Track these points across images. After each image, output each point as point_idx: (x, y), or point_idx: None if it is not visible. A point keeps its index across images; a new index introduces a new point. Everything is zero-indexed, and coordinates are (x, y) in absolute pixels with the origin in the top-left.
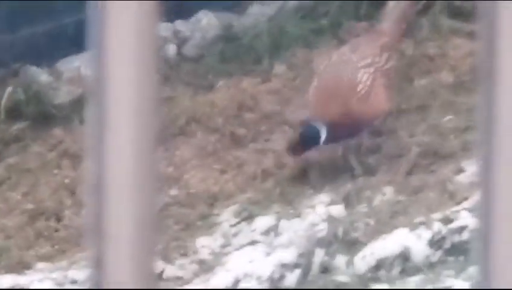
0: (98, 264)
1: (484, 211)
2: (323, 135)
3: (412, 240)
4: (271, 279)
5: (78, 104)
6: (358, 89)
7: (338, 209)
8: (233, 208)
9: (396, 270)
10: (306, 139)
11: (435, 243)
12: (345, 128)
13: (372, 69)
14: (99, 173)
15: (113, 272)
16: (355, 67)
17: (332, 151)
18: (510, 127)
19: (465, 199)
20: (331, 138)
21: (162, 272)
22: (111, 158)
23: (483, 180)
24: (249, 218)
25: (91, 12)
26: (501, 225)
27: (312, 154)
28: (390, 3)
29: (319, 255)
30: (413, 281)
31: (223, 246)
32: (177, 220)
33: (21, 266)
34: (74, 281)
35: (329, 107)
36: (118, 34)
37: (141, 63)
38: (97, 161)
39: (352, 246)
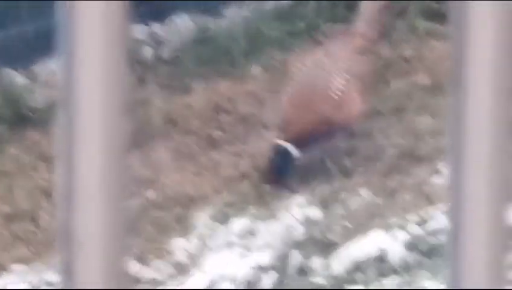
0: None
1: (454, 213)
2: (295, 153)
3: (388, 241)
4: (247, 281)
5: (54, 107)
6: (332, 95)
7: (314, 211)
8: (210, 210)
9: (372, 272)
10: (278, 166)
11: (411, 244)
12: (320, 134)
13: (346, 74)
14: (69, 178)
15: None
16: (329, 72)
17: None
18: (480, 130)
19: (441, 200)
20: (307, 146)
21: (137, 273)
22: (80, 163)
23: (454, 183)
24: (225, 220)
25: (59, 14)
26: (470, 226)
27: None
28: (365, 4)
29: (295, 257)
30: (389, 283)
31: (199, 248)
32: (153, 222)
33: None
34: (50, 284)
35: (303, 114)
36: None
37: (110, 65)
38: (67, 165)
39: (328, 248)
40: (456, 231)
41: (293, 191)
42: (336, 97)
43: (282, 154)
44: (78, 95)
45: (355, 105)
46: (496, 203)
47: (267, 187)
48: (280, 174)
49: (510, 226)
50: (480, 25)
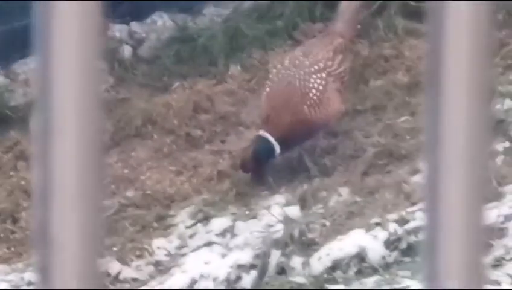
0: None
1: (431, 212)
2: (277, 149)
3: (368, 240)
4: (227, 280)
5: (33, 106)
6: (310, 95)
7: (294, 210)
8: (189, 209)
9: (352, 271)
10: (260, 156)
11: (391, 243)
12: (299, 134)
13: (324, 74)
14: (45, 177)
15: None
16: (307, 72)
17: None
18: (456, 128)
19: (421, 199)
20: (286, 146)
21: (118, 273)
22: (57, 162)
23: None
24: (205, 219)
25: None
26: (447, 226)
27: (267, 168)
28: (343, 3)
29: (275, 256)
30: (370, 281)
31: (179, 247)
32: (133, 221)
33: None
34: (30, 283)
35: (282, 114)
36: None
37: (86, 64)
38: (43, 165)
39: (308, 247)
40: (432, 230)
41: (271, 185)
42: (315, 97)
43: (263, 145)
44: (55, 93)
45: (334, 104)
46: (473, 202)
47: (246, 185)
48: (259, 165)
49: (487, 226)
50: (457, 24)
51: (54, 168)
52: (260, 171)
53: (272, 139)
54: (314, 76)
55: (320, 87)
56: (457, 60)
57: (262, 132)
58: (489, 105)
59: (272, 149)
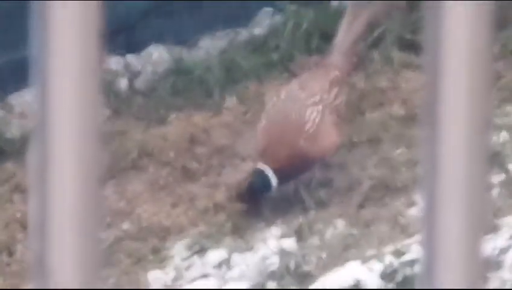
0: None
1: (428, 245)
2: (274, 182)
3: (363, 273)
4: None
5: (29, 139)
6: (306, 128)
7: (290, 243)
8: (185, 241)
9: None
10: (256, 189)
11: (387, 275)
12: (295, 167)
13: (320, 106)
14: (42, 208)
15: None
16: (303, 105)
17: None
18: (454, 161)
19: (417, 232)
20: (283, 179)
21: None
22: (54, 194)
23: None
24: (201, 251)
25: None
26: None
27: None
28: (340, 37)
29: (271, 289)
30: None
31: (175, 279)
32: (129, 253)
33: None
34: None
35: (278, 148)
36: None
37: (84, 96)
38: (40, 196)
39: (304, 279)
40: (429, 263)
41: (267, 217)
42: (311, 130)
43: (260, 178)
44: (52, 126)
45: (330, 138)
46: (470, 235)
47: (242, 217)
48: (255, 197)
49: (485, 259)
50: (454, 56)
51: (51, 200)
52: (256, 204)
53: (269, 172)
54: (310, 109)
55: (317, 120)
56: (455, 91)
57: (259, 165)
58: (487, 137)
59: (268, 182)
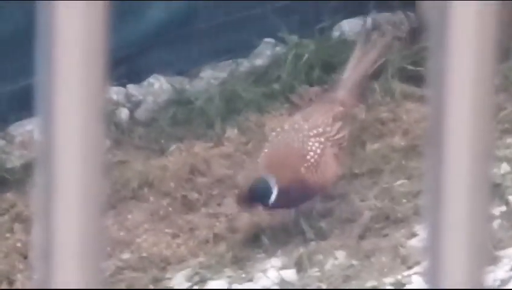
0: None
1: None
2: (274, 194)
3: None
4: None
5: (30, 168)
6: (307, 157)
7: (290, 274)
8: (186, 272)
9: None
10: (255, 195)
11: None
12: (294, 196)
13: (322, 138)
14: (46, 238)
15: None
16: (305, 135)
17: (283, 215)
18: (457, 191)
19: (417, 263)
20: (282, 202)
21: None
22: (58, 224)
23: (431, 246)
24: (201, 282)
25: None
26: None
27: (259, 209)
28: (347, 71)
29: None
30: None
31: None
32: (129, 284)
33: None
34: None
35: (279, 171)
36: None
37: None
38: (44, 226)
39: None
40: None
41: (267, 248)
42: (312, 160)
43: (262, 186)
44: (56, 156)
45: (331, 170)
46: (473, 267)
47: (243, 248)
48: (253, 203)
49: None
50: (458, 88)
51: (55, 228)
52: (252, 208)
53: (272, 181)
54: (312, 139)
55: (318, 151)
56: (458, 123)
57: (265, 174)
58: (490, 168)
59: (269, 193)
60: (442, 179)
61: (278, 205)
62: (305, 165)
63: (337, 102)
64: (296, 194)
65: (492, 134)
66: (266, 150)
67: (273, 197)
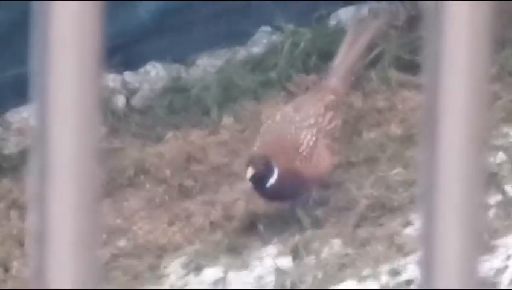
0: None
1: (426, 264)
2: (272, 179)
3: None
4: None
5: (27, 155)
6: (300, 150)
7: (286, 262)
8: (181, 259)
9: None
10: (259, 178)
11: None
12: (289, 187)
13: (315, 129)
14: (41, 225)
15: None
16: (298, 127)
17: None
18: (451, 180)
19: (413, 251)
20: (277, 195)
21: None
22: (53, 210)
23: (425, 234)
24: (197, 270)
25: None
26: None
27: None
28: (339, 58)
29: None
30: None
31: None
32: (125, 271)
33: None
34: None
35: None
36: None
37: (83, 114)
38: (40, 212)
39: None
40: (427, 282)
41: (263, 236)
42: (305, 152)
43: (266, 171)
44: (51, 143)
45: (324, 160)
46: (468, 255)
47: (239, 235)
48: (256, 184)
49: (482, 278)
50: (453, 76)
51: (51, 214)
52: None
53: (275, 170)
54: (304, 131)
55: (311, 143)
56: (453, 111)
57: (274, 162)
58: (485, 156)
59: (271, 173)
60: (436, 168)
61: (273, 195)
62: (299, 157)
63: (328, 91)
64: (291, 188)
65: (487, 123)
66: (258, 144)
67: (271, 181)
